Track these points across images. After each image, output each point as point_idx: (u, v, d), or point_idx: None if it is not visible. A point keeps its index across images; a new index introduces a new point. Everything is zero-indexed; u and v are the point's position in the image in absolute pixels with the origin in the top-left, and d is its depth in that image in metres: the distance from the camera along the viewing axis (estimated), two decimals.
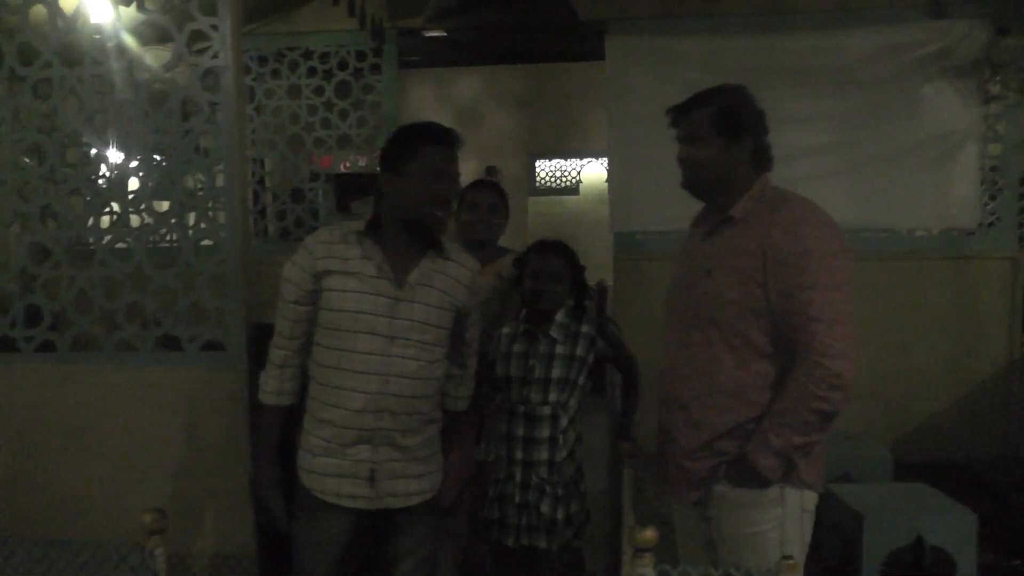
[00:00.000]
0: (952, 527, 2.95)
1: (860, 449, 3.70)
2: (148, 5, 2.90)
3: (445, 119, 9.29)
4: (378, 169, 2.25)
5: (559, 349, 2.60)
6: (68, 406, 2.95)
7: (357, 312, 2.13)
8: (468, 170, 8.77)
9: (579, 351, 2.60)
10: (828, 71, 4.62)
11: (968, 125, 4.67)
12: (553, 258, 2.64)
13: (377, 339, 2.14)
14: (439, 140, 2.19)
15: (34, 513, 2.93)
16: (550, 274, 2.60)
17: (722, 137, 2.09)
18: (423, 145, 2.17)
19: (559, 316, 2.63)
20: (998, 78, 4.64)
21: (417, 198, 2.15)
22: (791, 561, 1.88)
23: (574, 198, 9.28)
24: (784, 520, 2.05)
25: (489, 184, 3.13)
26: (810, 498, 2.09)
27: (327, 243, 2.20)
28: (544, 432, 2.56)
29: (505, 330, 2.69)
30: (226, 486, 2.85)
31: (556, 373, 2.58)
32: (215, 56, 2.82)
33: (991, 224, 4.83)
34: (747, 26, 4.71)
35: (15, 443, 2.97)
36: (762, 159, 2.14)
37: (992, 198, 4.83)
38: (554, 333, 2.61)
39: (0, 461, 2.97)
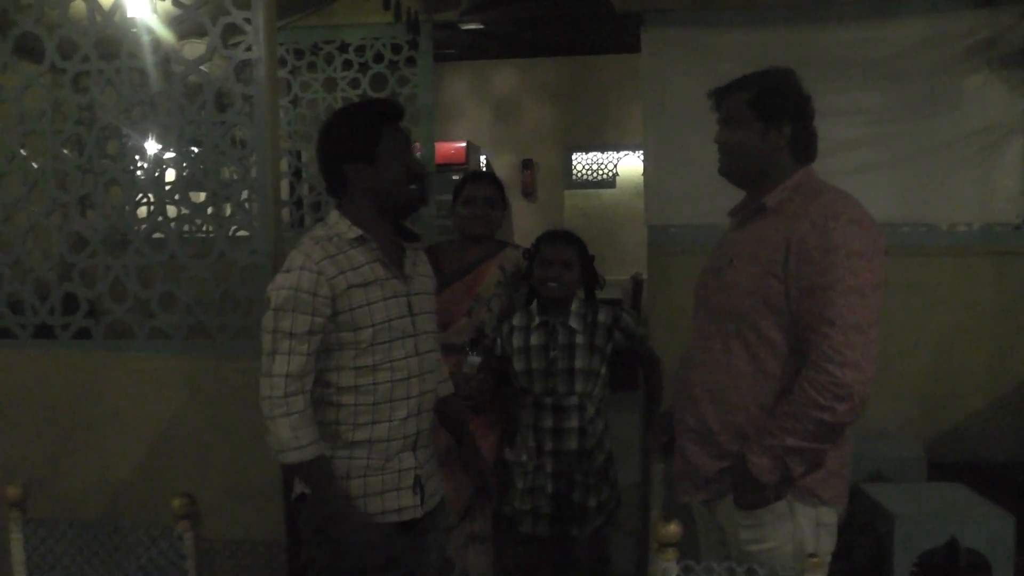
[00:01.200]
0: (988, 529, 2.88)
1: (893, 448, 3.65)
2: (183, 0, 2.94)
3: (482, 112, 9.33)
4: (331, 164, 2.10)
5: (579, 339, 2.61)
6: (103, 392, 3.02)
7: (389, 320, 2.03)
8: (505, 163, 8.85)
9: (598, 340, 2.62)
10: (868, 63, 4.52)
11: (1013, 117, 4.53)
12: (563, 246, 2.66)
13: (408, 341, 2.08)
14: (396, 115, 2.11)
15: (68, 496, 2.99)
16: (561, 262, 2.62)
17: (760, 121, 2.02)
18: (383, 124, 2.06)
19: (574, 306, 2.64)
20: None
21: (397, 181, 2.06)
22: (815, 559, 1.87)
23: (610, 191, 9.21)
24: (795, 534, 1.97)
25: (487, 176, 3.10)
26: (827, 513, 2.00)
27: (331, 260, 1.99)
28: (573, 422, 2.59)
29: (516, 323, 2.70)
30: (256, 473, 2.89)
31: (579, 363, 2.59)
32: (248, 49, 2.85)
33: None
34: (786, 18, 4.63)
35: (52, 427, 3.05)
36: (804, 148, 2.07)
37: None
38: (573, 323, 2.62)
39: (37, 444, 3.05)
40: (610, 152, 9.17)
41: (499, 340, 2.74)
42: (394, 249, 2.12)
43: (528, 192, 8.73)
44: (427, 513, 2.16)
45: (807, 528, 1.98)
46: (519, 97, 8.83)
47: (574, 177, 9.21)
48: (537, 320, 2.67)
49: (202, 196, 3.05)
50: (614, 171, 9.26)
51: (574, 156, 9.17)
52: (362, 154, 2.04)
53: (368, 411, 2.03)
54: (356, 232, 2.04)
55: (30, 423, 3.06)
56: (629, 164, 9.21)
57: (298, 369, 1.95)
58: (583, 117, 8.72)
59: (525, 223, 8.72)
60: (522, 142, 8.81)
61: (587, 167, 9.28)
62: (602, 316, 2.66)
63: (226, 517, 2.88)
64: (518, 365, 2.66)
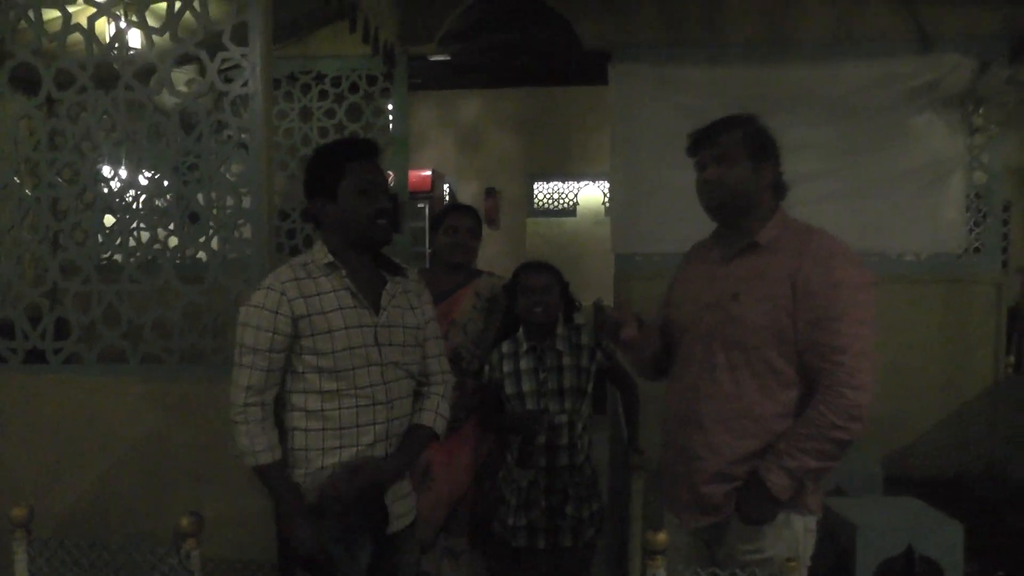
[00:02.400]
0: (940, 538, 3.09)
1: (852, 464, 3.84)
2: (180, 34, 3.03)
3: (447, 141, 9.47)
4: (308, 201, 2.18)
5: (566, 360, 2.78)
6: (96, 415, 3.06)
7: (351, 348, 2.09)
8: (469, 190, 9.01)
9: (583, 361, 2.79)
10: (824, 100, 4.81)
11: (955, 154, 4.86)
12: (542, 274, 2.82)
13: (375, 369, 2.12)
14: (362, 153, 2.16)
15: (63, 518, 3.03)
16: (542, 288, 2.78)
17: (751, 160, 2.11)
18: (348, 161, 2.13)
19: (560, 330, 2.81)
20: (982, 110, 4.86)
21: (358, 217, 2.11)
22: (793, 563, 2.03)
23: (571, 219, 9.44)
24: (789, 542, 2.10)
25: (467, 208, 3.23)
26: (812, 520, 2.15)
27: (294, 282, 2.09)
28: (563, 439, 2.74)
29: (504, 350, 2.85)
30: (247, 495, 2.95)
31: (568, 383, 2.76)
32: (245, 84, 2.96)
33: (976, 249, 5.03)
34: (747, 56, 4.90)
35: (47, 450, 3.08)
36: (781, 187, 2.18)
37: (977, 224, 5.04)
38: (559, 346, 2.79)
39: (32, 468, 3.08)
40: (571, 181, 9.42)
41: (487, 367, 2.88)
42: (371, 280, 2.18)
43: (491, 219, 8.89)
44: (394, 534, 2.23)
45: (799, 534, 2.11)
46: (483, 126, 9.02)
47: (536, 205, 9.42)
48: (525, 346, 2.82)
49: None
50: (575, 200, 9.49)
51: (536, 185, 9.39)
52: (325, 191, 2.13)
53: (335, 436, 2.11)
54: (328, 259, 2.13)
55: (22, 445, 3.09)
56: (589, 193, 9.45)
57: (257, 383, 2.07)
58: (545, 147, 8.95)
59: (489, 250, 8.84)
60: (486, 170, 9.00)
61: (549, 196, 9.50)
62: (585, 338, 2.83)
63: (218, 538, 2.94)
64: (510, 389, 2.80)
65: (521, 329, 2.86)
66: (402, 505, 2.27)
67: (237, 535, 2.95)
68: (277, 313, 2.06)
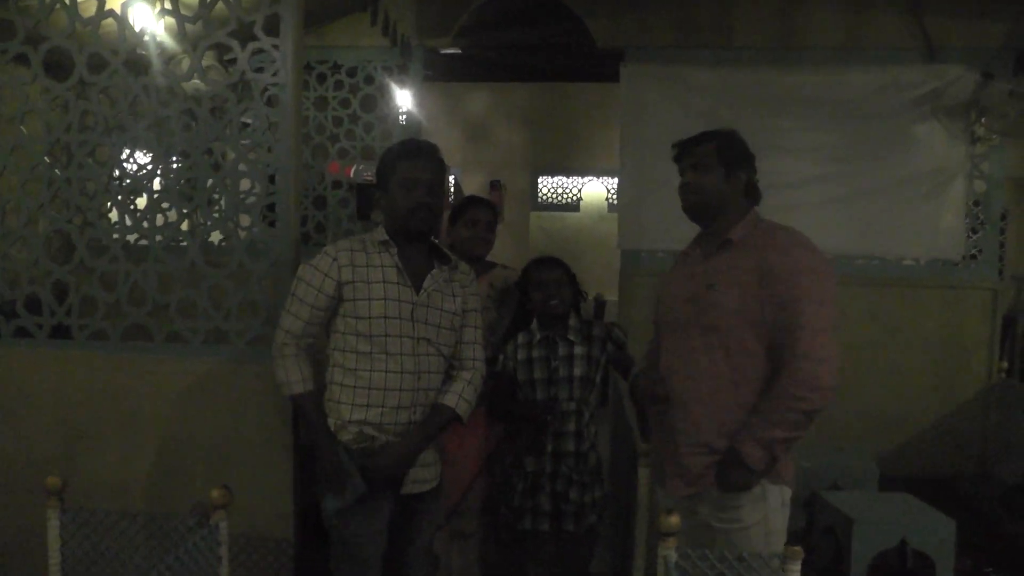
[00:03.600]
0: (933, 533, 3.21)
1: (849, 461, 3.96)
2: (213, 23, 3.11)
3: (453, 132, 9.50)
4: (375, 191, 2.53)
5: (577, 350, 2.89)
6: (120, 392, 3.14)
7: (386, 317, 2.36)
8: (474, 183, 9.08)
9: (594, 351, 2.91)
10: (830, 105, 4.91)
11: (955, 163, 4.97)
12: (553, 267, 2.96)
13: (407, 341, 2.39)
14: (411, 154, 2.46)
15: (82, 492, 3.10)
16: (555, 282, 2.92)
17: (723, 167, 2.38)
18: (399, 161, 2.45)
19: (572, 321, 2.92)
20: (983, 120, 4.95)
21: (400, 209, 2.42)
22: (796, 548, 2.13)
23: (575, 214, 9.52)
24: (768, 514, 2.29)
25: (486, 202, 3.34)
26: (787, 493, 2.35)
27: (348, 252, 2.41)
28: (571, 426, 2.86)
29: (519, 340, 2.97)
30: (266, 471, 3.04)
31: (578, 372, 2.87)
32: (275, 74, 3.03)
33: (974, 256, 5.14)
34: (756, 60, 4.99)
35: (68, 424, 3.15)
36: (754, 192, 2.44)
37: (975, 232, 5.15)
38: (571, 336, 2.90)
39: (53, 441, 3.15)
40: (575, 177, 9.49)
41: (502, 357, 3.00)
42: (421, 265, 2.47)
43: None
44: (413, 496, 2.49)
45: (775, 506, 2.30)
46: (490, 120, 9.09)
47: (540, 199, 9.50)
48: (539, 336, 2.93)
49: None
50: (578, 195, 9.57)
51: (540, 179, 9.47)
52: (381, 184, 2.49)
53: (364, 394, 2.37)
54: (383, 237, 2.44)
55: (46, 418, 3.17)
56: (593, 189, 9.53)
57: (295, 329, 2.42)
58: (551, 142, 9.03)
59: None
60: (491, 163, 9.07)
61: (553, 190, 9.58)
62: (597, 330, 2.95)
63: (238, 514, 3.03)
64: (522, 376, 2.92)
65: (535, 321, 2.96)
66: (422, 472, 2.49)
67: (254, 512, 3.02)
68: (326, 275, 2.38)
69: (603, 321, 3.02)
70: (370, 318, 2.36)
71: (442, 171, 2.50)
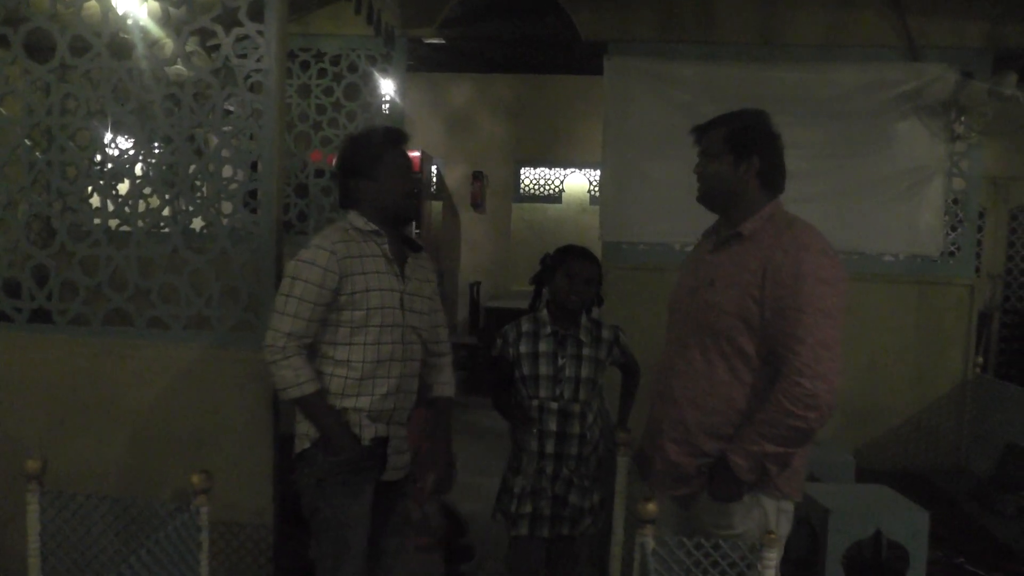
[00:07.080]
0: (908, 524, 3.23)
1: (826, 454, 4.00)
2: (196, 8, 3.09)
3: (436, 123, 9.47)
4: (344, 179, 2.49)
5: (586, 351, 2.80)
6: (100, 377, 3.13)
7: (382, 308, 2.39)
8: (456, 173, 9.06)
9: (601, 354, 2.82)
10: (812, 102, 4.93)
11: (935, 161, 5.02)
12: (591, 264, 2.83)
13: (396, 330, 2.43)
14: (398, 141, 2.50)
15: (62, 477, 3.09)
16: (585, 278, 2.79)
17: (731, 154, 2.23)
18: (387, 147, 2.46)
19: (583, 320, 2.83)
20: (963, 119, 5.01)
21: (394, 194, 2.44)
22: (772, 535, 2.15)
23: (556, 206, 9.54)
24: (760, 521, 2.20)
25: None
26: (786, 505, 2.25)
27: (343, 243, 2.38)
28: (575, 428, 2.77)
29: (524, 328, 2.84)
30: (247, 458, 3.04)
31: (585, 373, 2.78)
32: (259, 60, 3.02)
33: (952, 253, 5.20)
34: (739, 55, 5.02)
35: (48, 409, 3.14)
36: (773, 181, 2.27)
37: (953, 229, 5.21)
38: (582, 336, 2.81)
39: (34, 425, 3.14)
40: (557, 168, 9.50)
41: (499, 341, 2.87)
42: (398, 253, 2.50)
43: (477, 203, 8.97)
44: (391, 483, 2.52)
45: (770, 514, 2.21)
46: (472, 110, 9.08)
47: (522, 191, 9.51)
48: (549, 328, 2.82)
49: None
50: (560, 187, 9.59)
51: (523, 170, 9.46)
52: (365, 172, 2.44)
53: (355, 384, 2.39)
54: (372, 227, 2.43)
55: (26, 402, 3.14)
56: (575, 181, 9.55)
57: (299, 330, 2.35)
58: (533, 133, 9.02)
59: (473, 233, 8.98)
60: (473, 154, 9.06)
61: (535, 182, 9.59)
62: (606, 333, 2.86)
63: (217, 501, 3.02)
64: (526, 369, 2.80)
65: (545, 311, 2.86)
66: (399, 459, 2.53)
67: (233, 499, 3.03)
68: (327, 270, 2.33)
69: (611, 325, 2.93)
70: (367, 309, 2.37)
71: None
